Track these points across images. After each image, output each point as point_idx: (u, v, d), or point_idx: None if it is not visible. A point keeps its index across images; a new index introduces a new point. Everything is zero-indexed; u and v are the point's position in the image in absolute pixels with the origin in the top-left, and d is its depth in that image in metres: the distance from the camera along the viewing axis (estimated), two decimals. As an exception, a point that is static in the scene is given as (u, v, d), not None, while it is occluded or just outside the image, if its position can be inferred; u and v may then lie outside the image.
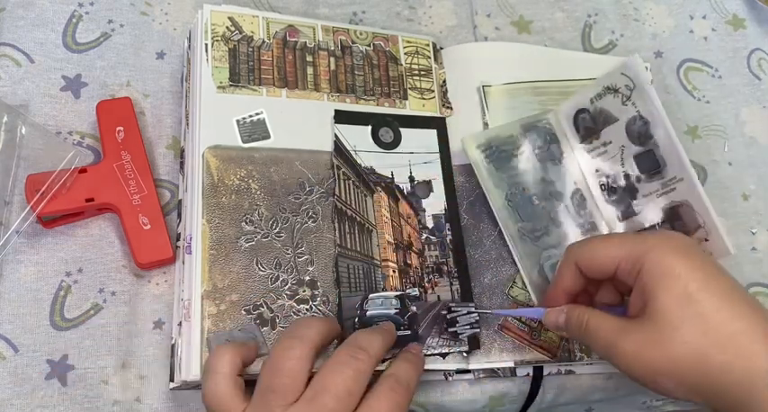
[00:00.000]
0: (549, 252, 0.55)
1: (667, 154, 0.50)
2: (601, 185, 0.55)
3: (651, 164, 0.51)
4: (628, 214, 0.53)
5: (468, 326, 0.51)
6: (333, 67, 0.56)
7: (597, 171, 0.55)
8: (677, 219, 0.50)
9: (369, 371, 0.42)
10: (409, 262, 0.53)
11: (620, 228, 0.54)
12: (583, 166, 0.56)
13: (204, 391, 0.41)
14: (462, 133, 0.57)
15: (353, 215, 0.52)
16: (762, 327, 0.40)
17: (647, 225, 0.52)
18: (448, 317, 0.51)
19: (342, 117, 0.55)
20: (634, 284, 0.43)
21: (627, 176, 0.53)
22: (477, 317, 0.52)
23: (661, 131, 0.51)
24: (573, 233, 0.55)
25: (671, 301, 0.41)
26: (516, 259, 0.55)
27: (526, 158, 0.57)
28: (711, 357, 0.39)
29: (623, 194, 0.53)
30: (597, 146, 0.55)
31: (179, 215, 0.52)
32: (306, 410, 0.39)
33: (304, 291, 0.49)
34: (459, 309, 0.52)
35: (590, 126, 0.55)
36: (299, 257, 0.50)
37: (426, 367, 0.49)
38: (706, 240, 0.50)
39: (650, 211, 0.52)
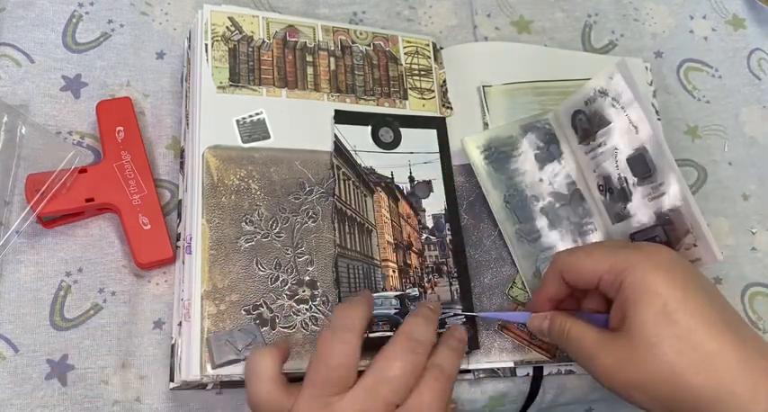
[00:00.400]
0: (545, 254, 0.55)
1: (657, 158, 0.50)
2: (599, 186, 0.55)
3: (642, 167, 0.51)
4: (623, 216, 0.53)
5: None
6: (333, 67, 0.56)
7: (595, 172, 0.55)
8: (668, 223, 0.50)
9: (423, 363, 0.43)
10: (409, 262, 0.53)
11: (616, 229, 0.54)
12: (582, 167, 0.56)
13: (250, 396, 0.42)
14: (462, 133, 0.57)
15: (353, 215, 0.53)
16: (735, 348, 0.40)
17: (641, 228, 0.52)
18: None
19: (342, 117, 0.55)
20: (615, 297, 0.44)
21: (622, 179, 0.53)
22: (464, 320, 0.52)
23: (649, 135, 0.50)
24: (571, 234, 0.55)
25: (649, 319, 0.41)
26: (515, 260, 0.55)
27: (525, 159, 0.57)
28: (684, 377, 0.40)
29: (619, 196, 0.53)
30: (594, 147, 0.54)
31: (179, 215, 0.52)
32: (363, 398, 0.40)
33: (304, 291, 0.49)
34: (446, 311, 0.52)
35: (586, 127, 0.55)
36: (298, 257, 0.50)
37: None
38: (695, 246, 0.49)
39: (644, 214, 0.52)
